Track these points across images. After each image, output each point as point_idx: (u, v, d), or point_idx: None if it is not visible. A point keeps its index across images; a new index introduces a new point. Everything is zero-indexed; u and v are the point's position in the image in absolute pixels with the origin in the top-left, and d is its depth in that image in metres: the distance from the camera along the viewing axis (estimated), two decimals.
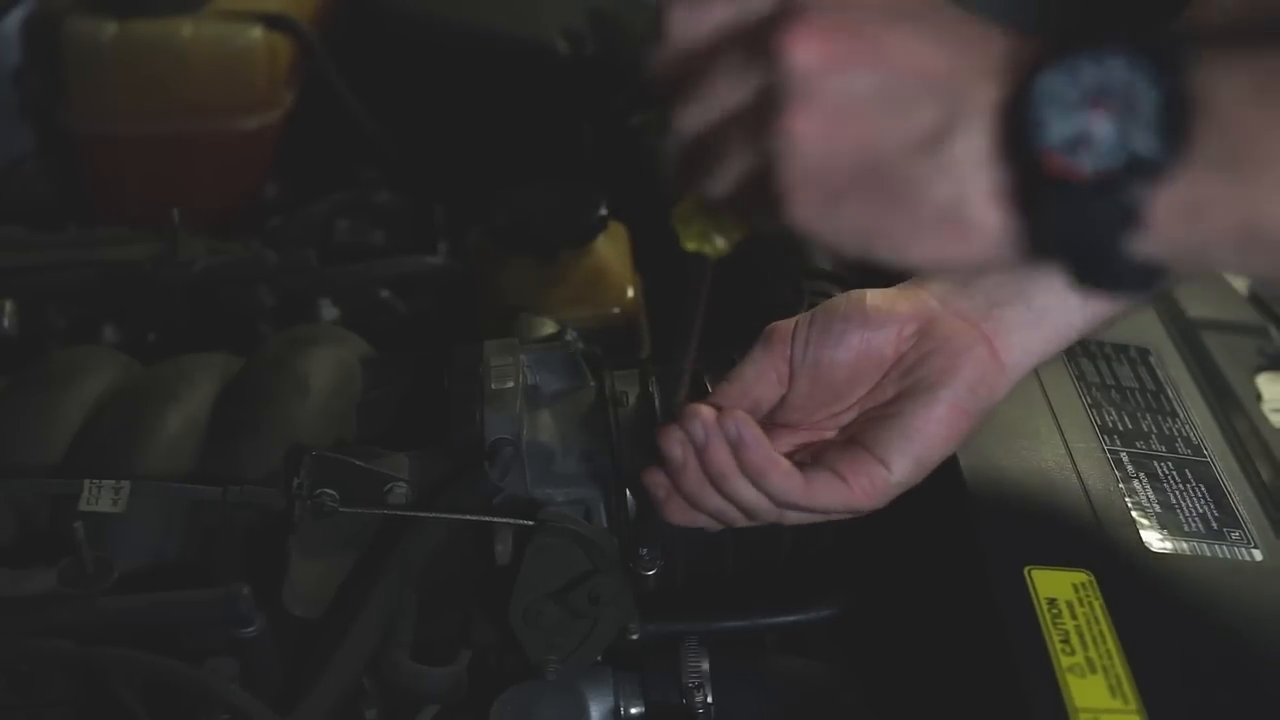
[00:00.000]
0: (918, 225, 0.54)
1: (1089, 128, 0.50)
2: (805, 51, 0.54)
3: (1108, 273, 0.53)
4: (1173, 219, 0.51)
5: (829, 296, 1.01)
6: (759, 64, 0.55)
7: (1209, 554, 0.83)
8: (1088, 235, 0.52)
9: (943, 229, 0.54)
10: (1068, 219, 0.52)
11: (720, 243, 0.66)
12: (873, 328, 0.78)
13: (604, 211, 1.18)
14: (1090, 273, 0.53)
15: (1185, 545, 0.84)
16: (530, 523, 0.84)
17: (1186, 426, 0.95)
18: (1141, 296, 0.55)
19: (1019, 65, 0.52)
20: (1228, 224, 0.51)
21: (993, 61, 0.53)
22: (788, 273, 1.06)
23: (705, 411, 0.75)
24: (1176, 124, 0.50)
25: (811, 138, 0.54)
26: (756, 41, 0.55)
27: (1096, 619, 0.77)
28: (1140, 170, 0.50)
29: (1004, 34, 0.54)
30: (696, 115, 0.58)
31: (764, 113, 0.55)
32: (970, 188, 0.53)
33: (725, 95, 0.57)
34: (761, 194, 0.56)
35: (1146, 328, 1.06)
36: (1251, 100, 0.50)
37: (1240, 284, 1.18)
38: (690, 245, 0.66)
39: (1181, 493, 0.88)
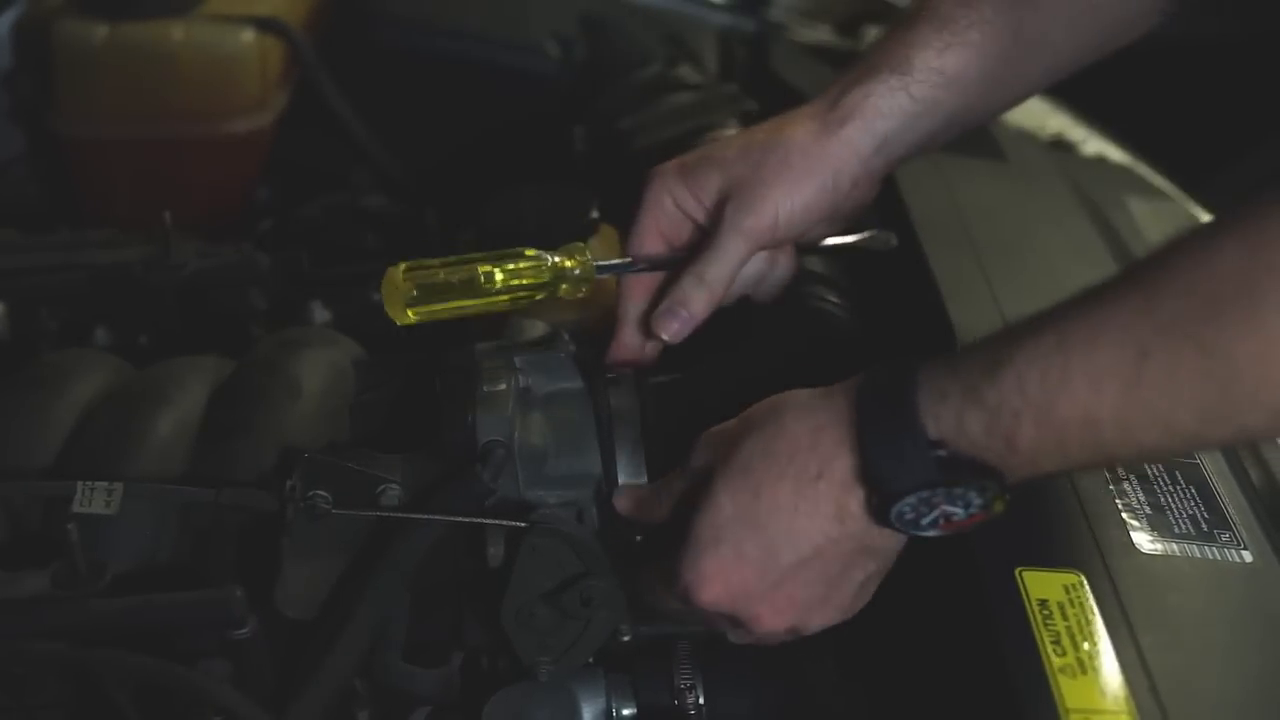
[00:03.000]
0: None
1: (948, 514, 0.71)
2: (710, 593, 0.76)
3: None
4: None
5: (828, 302, 1.02)
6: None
7: (1199, 555, 0.84)
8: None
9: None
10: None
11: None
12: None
13: (595, 214, 1.18)
14: None
15: (1175, 547, 0.84)
16: (522, 524, 0.84)
17: None
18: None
19: (871, 510, 0.72)
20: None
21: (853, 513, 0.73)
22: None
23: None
24: (1001, 491, 0.70)
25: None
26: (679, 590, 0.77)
27: (1087, 620, 0.77)
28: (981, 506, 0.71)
29: (851, 489, 0.72)
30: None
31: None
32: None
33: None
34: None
35: None
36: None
37: None
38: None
39: (1171, 494, 0.89)
